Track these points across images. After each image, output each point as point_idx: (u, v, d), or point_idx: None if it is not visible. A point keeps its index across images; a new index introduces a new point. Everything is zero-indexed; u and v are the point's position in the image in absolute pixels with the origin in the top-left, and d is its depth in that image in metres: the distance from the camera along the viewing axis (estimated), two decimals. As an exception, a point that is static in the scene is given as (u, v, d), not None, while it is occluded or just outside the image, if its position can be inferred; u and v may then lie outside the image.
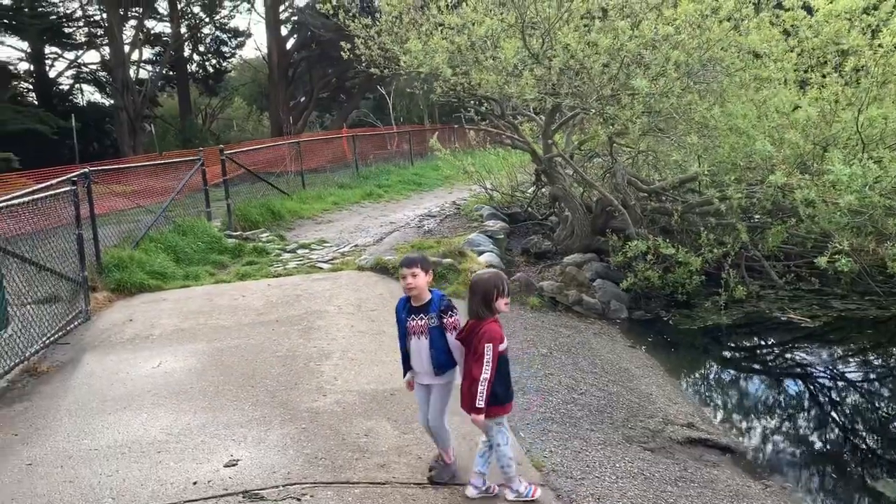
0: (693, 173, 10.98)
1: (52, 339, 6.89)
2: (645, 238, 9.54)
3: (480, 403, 3.82)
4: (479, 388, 3.80)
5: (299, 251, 10.69)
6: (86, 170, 8.42)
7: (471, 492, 4.09)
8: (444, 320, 4.01)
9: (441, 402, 4.13)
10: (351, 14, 10.74)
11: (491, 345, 3.83)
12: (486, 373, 3.82)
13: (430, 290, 4.10)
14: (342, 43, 11.37)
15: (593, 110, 8.80)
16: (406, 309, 4.13)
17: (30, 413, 5.44)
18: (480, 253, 10.00)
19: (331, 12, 10.67)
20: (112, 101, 36.03)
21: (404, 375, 4.29)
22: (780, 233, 8.97)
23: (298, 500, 3.98)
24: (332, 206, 15.02)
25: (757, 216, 9.98)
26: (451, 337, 4.02)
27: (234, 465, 4.38)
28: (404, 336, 4.15)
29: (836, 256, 6.93)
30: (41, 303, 6.98)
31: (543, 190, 13.37)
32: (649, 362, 7.67)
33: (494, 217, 12.98)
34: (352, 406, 5.28)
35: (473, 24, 8.95)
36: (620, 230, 10.36)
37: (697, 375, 7.74)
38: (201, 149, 12.84)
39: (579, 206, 11.08)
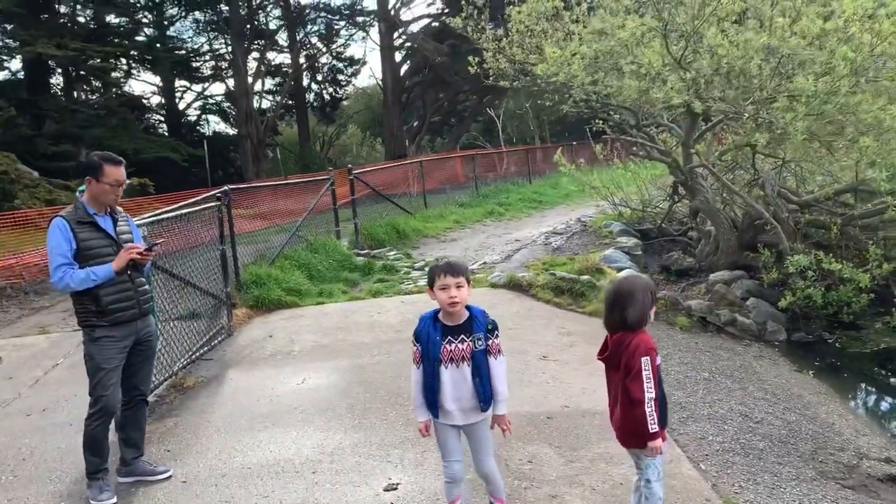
0: (849, 184, 10.13)
1: (197, 354, 6.89)
2: (801, 253, 8.77)
3: (654, 427, 3.26)
4: (647, 409, 3.24)
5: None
6: (226, 188, 8.51)
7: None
8: (491, 342, 3.37)
9: (490, 440, 3.53)
10: (479, 27, 10.55)
11: (648, 357, 3.27)
12: (649, 391, 3.25)
13: (467, 306, 3.40)
14: (469, 58, 11.18)
15: (746, 115, 8.15)
16: (439, 330, 3.37)
17: (179, 429, 5.36)
18: (619, 269, 9.45)
19: (459, 26, 10.49)
20: (236, 130, 37.66)
21: (420, 417, 3.48)
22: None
23: (470, 531, 3.63)
24: (454, 225, 14.83)
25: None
26: (495, 362, 3.38)
27: (394, 489, 4.09)
28: (435, 365, 3.35)
29: None
30: (186, 318, 7.01)
31: (678, 204, 12.68)
32: (821, 388, 6.92)
33: (626, 233, 12.38)
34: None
35: (613, 28, 8.51)
36: (771, 245, 9.58)
37: (879, 404, 6.93)
38: (331, 169, 12.95)
39: (724, 220, 10.36)
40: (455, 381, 3.35)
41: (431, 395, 3.38)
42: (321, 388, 5.95)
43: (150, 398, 5.87)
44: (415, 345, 3.43)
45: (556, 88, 10.10)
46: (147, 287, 4.51)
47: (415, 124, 42.98)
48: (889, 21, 7.40)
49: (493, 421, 3.46)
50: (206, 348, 7.06)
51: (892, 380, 7.43)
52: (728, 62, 7.76)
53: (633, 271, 9.51)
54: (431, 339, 3.35)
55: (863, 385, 7.30)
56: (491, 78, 10.77)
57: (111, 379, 4.22)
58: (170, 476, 4.46)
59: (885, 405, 6.90)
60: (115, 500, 4.19)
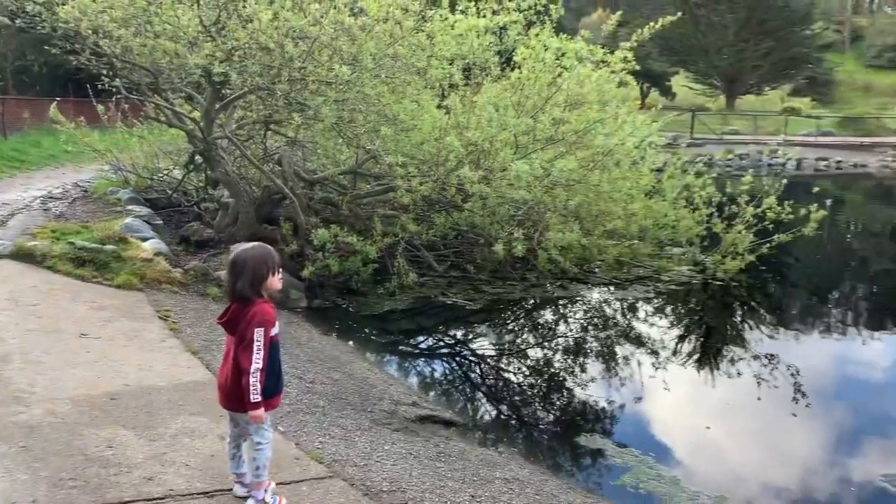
0: (351, 167, 11.34)
1: None
2: (315, 227, 9.57)
3: (256, 397, 3.32)
4: (251, 379, 3.30)
5: None
6: None
7: (239, 490, 3.67)
8: None
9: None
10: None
11: (262, 329, 3.35)
12: (257, 362, 3.32)
13: None
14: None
15: (280, 93, 8.50)
16: None
17: None
18: (144, 240, 8.97)
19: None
20: None
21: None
22: (445, 224, 9.74)
23: (67, 532, 3.17)
24: (-89, 182, 12.05)
25: (415, 208, 10.68)
26: None
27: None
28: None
29: (514, 243, 7.79)
30: None
31: (192, 175, 12.50)
32: (347, 348, 7.74)
33: (135, 202, 11.75)
34: (71, 416, 4.35)
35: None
36: (289, 219, 10.21)
37: (395, 357, 8.01)
38: None
39: (244, 192, 10.61)
40: None
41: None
42: None
43: None
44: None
45: (67, 36, 8.98)
46: None
47: None
48: (400, 26, 8.58)
49: None
50: None
51: (398, 335, 8.68)
52: (267, 36, 7.97)
53: (160, 243, 9.15)
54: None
55: (377, 342, 8.34)
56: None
57: None
58: None
59: (397, 357, 8.02)
60: None
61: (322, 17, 8.07)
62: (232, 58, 8.46)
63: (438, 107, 10.46)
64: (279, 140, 11.66)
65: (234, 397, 3.45)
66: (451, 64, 10.29)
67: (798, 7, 45.37)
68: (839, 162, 32.87)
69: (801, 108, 46.09)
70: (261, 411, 3.39)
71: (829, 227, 17.72)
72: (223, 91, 10.10)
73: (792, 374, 7.55)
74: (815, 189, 13.91)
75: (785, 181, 11.12)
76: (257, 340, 3.33)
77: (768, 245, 10.56)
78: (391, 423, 5.43)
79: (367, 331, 8.66)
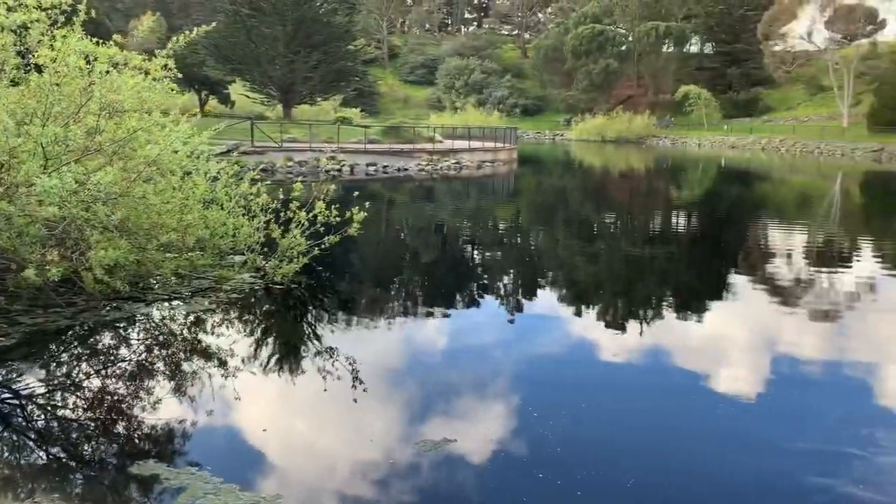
0: None
1: None
2: None
3: None
4: None
5: None
6: None
7: None
8: None
9: None
10: None
11: None
12: None
13: None
14: None
15: None
16: None
17: None
18: None
19: None
20: None
21: None
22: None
23: None
24: None
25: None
26: None
27: None
28: None
29: (49, 266, 6.98)
30: None
31: None
32: None
33: None
34: None
35: None
36: None
37: None
38: None
39: None
40: None
41: None
42: None
43: None
44: None
45: None
46: None
47: None
48: None
49: None
50: None
51: None
52: None
53: None
54: None
55: None
56: None
57: None
58: None
59: None
60: None
61: None
62: None
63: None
64: None
65: None
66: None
67: (339, 24, 49.26)
68: (386, 167, 36.54)
69: (351, 117, 50.38)
70: None
71: (385, 225, 19.67)
72: None
73: (352, 363, 8.13)
74: (356, 193, 15.20)
75: (333, 187, 11.91)
76: None
77: (321, 247, 11.22)
78: None
79: None
